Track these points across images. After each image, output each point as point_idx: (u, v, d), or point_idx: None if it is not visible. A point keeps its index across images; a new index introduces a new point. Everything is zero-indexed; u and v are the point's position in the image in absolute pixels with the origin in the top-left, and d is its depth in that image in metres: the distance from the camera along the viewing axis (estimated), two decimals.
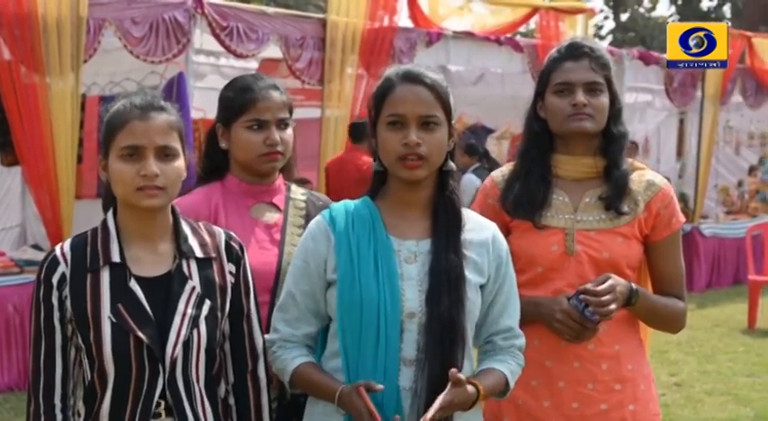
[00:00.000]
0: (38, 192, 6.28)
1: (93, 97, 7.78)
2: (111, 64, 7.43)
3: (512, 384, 2.21)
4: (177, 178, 2.09)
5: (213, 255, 2.17)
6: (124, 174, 2.04)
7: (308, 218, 2.58)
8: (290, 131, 2.59)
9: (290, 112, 2.61)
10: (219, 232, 2.23)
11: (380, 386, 2.02)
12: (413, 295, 2.12)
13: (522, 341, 2.27)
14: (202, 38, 7.10)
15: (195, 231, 2.19)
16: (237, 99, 2.55)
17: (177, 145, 2.10)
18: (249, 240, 2.50)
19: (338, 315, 2.12)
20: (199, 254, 2.15)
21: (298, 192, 2.69)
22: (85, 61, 6.20)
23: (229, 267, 2.19)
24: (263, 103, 2.53)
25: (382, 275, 2.11)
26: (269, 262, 2.50)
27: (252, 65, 8.44)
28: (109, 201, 2.16)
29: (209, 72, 8.49)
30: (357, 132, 7.40)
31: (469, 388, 2.07)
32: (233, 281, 2.20)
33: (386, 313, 2.08)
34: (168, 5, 6.54)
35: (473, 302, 2.15)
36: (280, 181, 2.65)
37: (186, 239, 2.15)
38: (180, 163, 2.10)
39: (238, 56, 7.18)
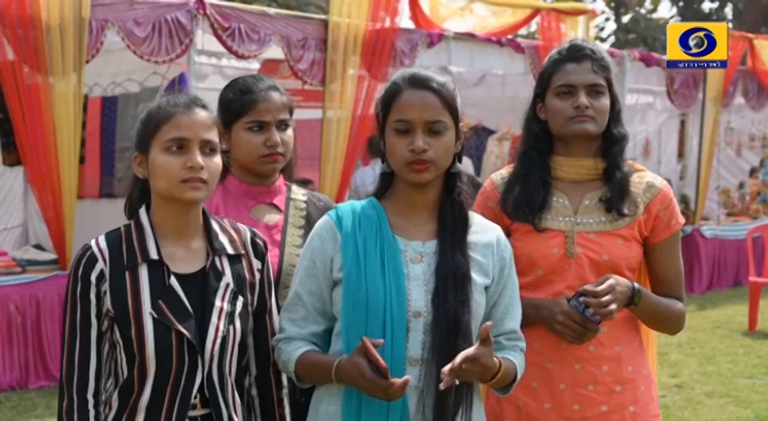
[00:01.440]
0: (40, 192, 6.30)
1: (96, 98, 7.80)
2: (113, 64, 7.45)
3: (518, 377, 2.23)
4: (217, 173, 2.14)
5: (242, 251, 2.22)
6: (170, 166, 2.08)
7: (308, 218, 2.59)
8: (290, 132, 2.60)
9: (291, 113, 2.62)
10: (244, 229, 2.27)
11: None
12: (418, 295, 2.13)
13: (523, 344, 2.29)
14: (204, 38, 7.11)
15: (223, 228, 2.23)
16: (237, 100, 2.56)
17: (217, 141, 2.15)
18: None
19: (344, 314, 2.14)
20: (230, 250, 2.19)
21: (298, 193, 2.70)
22: (88, 62, 6.22)
23: (256, 264, 2.24)
24: (264, 105, 2.54)
25: (388, 275, 2.12)
26: (270, 262, 2.51)
27: (253, 66, 8.45)
28: (140, 198, 2.19)
29: (210, 73, 8.50)
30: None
31: (494, 358, 2.09)
32: (259, 277, 2.24)
33: (392, 312, 2.10)
34: (170, 6, 6.55)
35: (478, 303, 2.17)
36: (280, 181, 2.66)
37: (217, 236, 2.19)
38: (219, 158, 2.15)
39: (240, 56, 7.19)
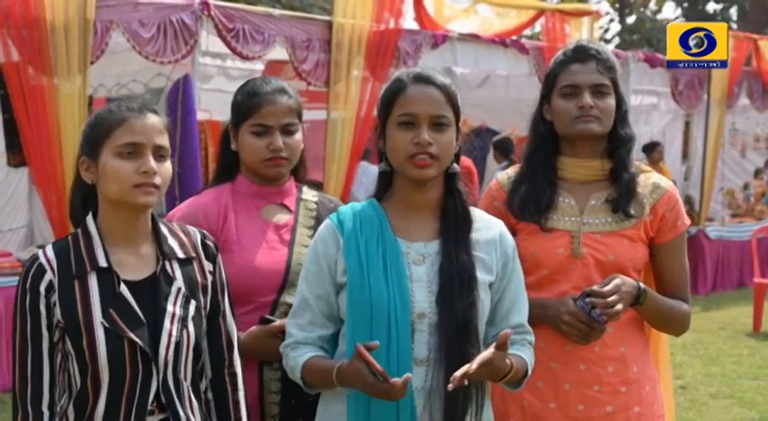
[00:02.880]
0: (45, 193, 6.31)
1: (101, 99, 7.80)
2: (118, 65, 7.45)
3: (529, 372, 2.23)
4: (169, 178, 2.11)
5: (193, 254, 2.18)
6: (122, 171, 2.04)
7: (318, 219, 2.58)
8: (297, 136, 2.57)
9: (300, 117, 2.60)
10: (194, 231, 2.24)
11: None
12: (422, 296, 2.13)
13: (532, 337, 2.28)
14: (208, 39, 7.12)
15: (172, 232, 2.20)
16: (244, 103, 2.55)
17: (169, 146, 2.12)
18: (259, 240, 2.52)
19: (349, 317, 2.14)
20: (180, 254, 2.16)
21: (309, 194, 2.69)
22: (92, 63, 6.22)
23: (207, 266, 2.21)
24: (267, 109, 2.52)
25: (391, 277, 2.12)
26: (278, 261, 2.50)
27: (258, 67, 8.45)
28: (87, 204, 2.15)
29: (215, 73, 8.51)
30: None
31: (507, 360, 2.09)
32: (211, 279, 2.21)
33: (396, 315, 2.10)
34: (175, 7, 6.56)
35: (483, 301, 2.17)
36: (291, 183, 2.65)
37: (167, 240, 2.16)
38: (170, 164, 2.12)
39: (244, 58, 7.19)
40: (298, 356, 2.17)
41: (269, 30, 7.11)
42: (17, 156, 7.09)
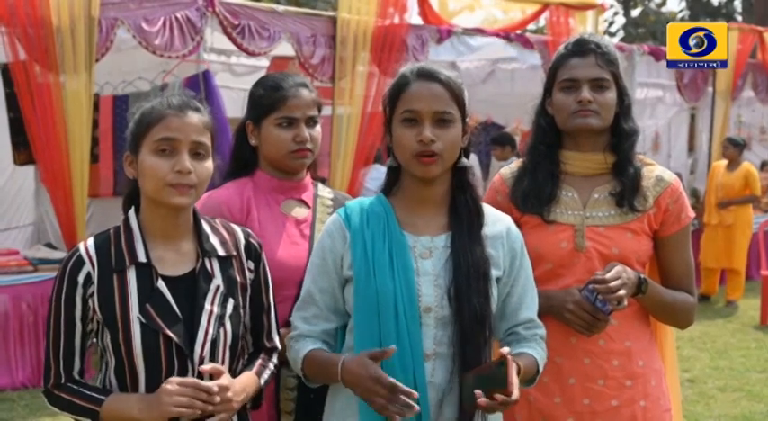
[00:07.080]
0: (53, 190, 6.33)
1: (107, 96, 7.82)
2: (124, 63, 7.46)
3: (541, 369, 2.22)
4: (207, 178, 2.11)
5: (233, 253, 2.19)
6: (157, 168, 2.05)
7: None
8: (318, 129, 2.64)
9: (319, 110, 2.65)
10: (238, 230, 2.25)
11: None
12: (429, 290, 2.13)
13: (543, 331, 2.28)
14: (213, 36, 7.12)
15: (214, 229, 2.21)
16: (268, 97, 2.59)
17: (209, 145, 2.12)
18: (280, 234, 2.55)
19: (355, 311, 2.14)
20: (221, 252, 2.17)
21: (324, 191, 2.74)
22: (97, 60, 6.24)
23: (248, 264, 2.22)
24: (293, 101, 2.58)
25: (397, 271, 2.12)
26: (299, 256, 2.53)
27: (263, 63, 8.46)
28: (132, 198, 2.17)
29: (220, 70, 8.51)
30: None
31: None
32: (252, 277, 2.22)
33: (404, 308, 2.10)
34: (179, 4, 6.57)
35: (493, 297, 2.17)
36: (308, 178, 2.69)
37: (208, 238, 2.17)
38: (210, 163, 2.12)
39: (251, 53, 7.20)
40: (300, 348, 2.19)
41: (274, 26, 7.12)
42: (23, 155, 7.11)
